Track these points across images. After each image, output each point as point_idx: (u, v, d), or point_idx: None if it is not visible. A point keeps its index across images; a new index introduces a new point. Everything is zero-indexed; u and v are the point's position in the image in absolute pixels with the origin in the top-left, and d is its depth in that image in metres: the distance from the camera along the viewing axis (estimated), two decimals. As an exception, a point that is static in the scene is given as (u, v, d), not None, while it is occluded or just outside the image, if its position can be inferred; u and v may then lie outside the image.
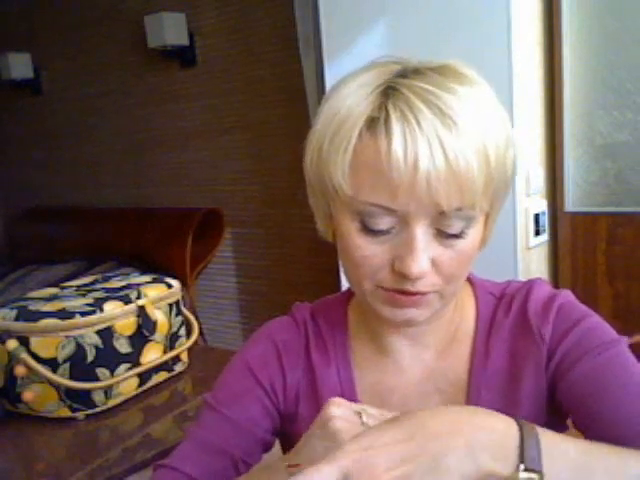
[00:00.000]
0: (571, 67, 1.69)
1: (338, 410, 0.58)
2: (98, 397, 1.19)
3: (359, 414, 0.57)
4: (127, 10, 3.12)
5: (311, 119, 2.26)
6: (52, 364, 1.15)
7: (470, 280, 0.74)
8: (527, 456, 0.46)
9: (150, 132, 3.26)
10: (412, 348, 0.71)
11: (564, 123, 1.71)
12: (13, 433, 1.16)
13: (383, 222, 0.59)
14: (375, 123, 0.57)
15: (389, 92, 0.58)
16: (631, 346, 0.90)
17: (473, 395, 0.68)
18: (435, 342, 0.71)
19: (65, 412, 1.18)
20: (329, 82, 1.86)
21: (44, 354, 1.15)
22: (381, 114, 0.57)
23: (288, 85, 2.59)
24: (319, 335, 0.75)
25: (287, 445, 0.76)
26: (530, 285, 0.71)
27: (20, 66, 3.56)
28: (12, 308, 1.20)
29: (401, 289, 0.60)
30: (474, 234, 0.61)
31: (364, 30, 1.77)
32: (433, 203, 0.57)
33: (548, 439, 0.48)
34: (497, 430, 0.48)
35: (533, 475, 0.46)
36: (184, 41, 2.88)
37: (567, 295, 0.69)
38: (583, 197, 1.74)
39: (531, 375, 0.67)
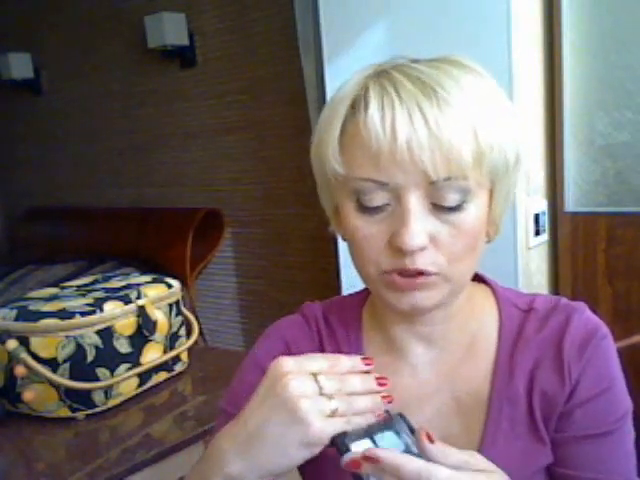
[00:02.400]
0: (571, 67, 1.69)
1: (291, 365, 0.55)
2: (98, 397, 1.19)
3: (314, 375, 0.54)
4: (127, 10, 3.12)
5: (311, 119, 2.26)
6: (52, 364, 1.15)
7: (491, 288, 0.73)
8: None
9: (150, 132, 3.26)
10: (427, 350, 0.70)
11: (564, 123, 1.71)
12: (13, 433, 1.16)
13: (377, 198, 0.60)
14: (358, 100, 0.60)
15: (379, 75, 0.61)
16: (631, 346, 0.90)
17: (494, 408, 0.67)
18: (451, 346, 0.70)
19: (65, 412, 1.18)
20: (329, 82, 1.86)
21: (44, 354, 1.15)
22: (363, 91, 0.60)
23: (288, 85, 2.59)
24: (332, 335, 0.75)
25: None
26: (571, 311, 0.68)
27: (20, 66, 3.56)
28: (12, 308, 1.20)
29: (401, 268, 0.60)
30: (474, 210, 0.60)
31: (364, 30, 1.77)
32: (419, 172, 0.57)
33: None
34: None
35: None
36: (184, 41, 2.89)
37: (604, 335, 0.67)
38: (583, 197, 1.74)
39: (548, 397, 0.67)
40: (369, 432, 0.54)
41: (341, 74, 1.83)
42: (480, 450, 0.66)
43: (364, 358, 0.58)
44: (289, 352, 0.73)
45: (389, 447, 0.53)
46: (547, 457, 0.67)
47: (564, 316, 0.68)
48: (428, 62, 0.61)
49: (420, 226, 0.58)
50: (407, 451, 0.53)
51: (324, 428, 0.53)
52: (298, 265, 2.86)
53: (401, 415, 0.56)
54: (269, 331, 0.78)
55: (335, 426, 0.53)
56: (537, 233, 1.72)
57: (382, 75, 0.60)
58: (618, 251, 1.69)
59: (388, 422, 0.55)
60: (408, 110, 0.56)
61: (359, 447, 0.52)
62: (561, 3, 1.66)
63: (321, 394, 0.54)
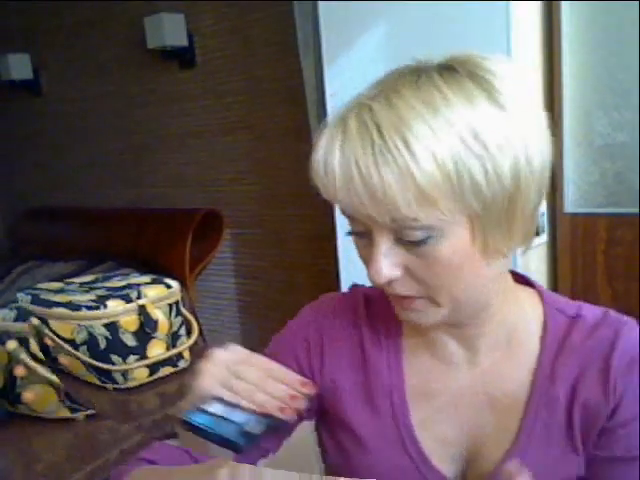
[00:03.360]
0: (570, 68, 1.69)
1: (220, 354, 0.66)
2: (118, 377, 1.26)
3: (233, 372, 0.64)
4: (126, 11, 3.12)
5: (310, 120, 2.26)
6: (71, 344, 1.23)
7: (539, 291, 0.73)
8: None
9: (150, 133, 3.26)
10: (463, 350, 0.71)
11: (563, 124, 1.71)
12: (13, 434, 1.16)
13: (356, 225, 0.61)
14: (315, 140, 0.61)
15: (342, 119, 0.59)
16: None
17: (531, 411, 0.67)
18: (488, 346, 0.70)
19: (65, 413, 1.18)
20: (328, 83, 1.87)
21: (64, 334, 1.23)
22: (320, 134, 0.60)
23: (287, 86, 2.59)
24: (374, 322, 0.75)
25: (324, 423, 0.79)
26: (621, 325, 0.67)
27: (19, 67, 3.56)
28: (27, 294, 1.29)
29: (385, 290, 0.63)
30: (447, 244, 0.58)
31: (364, 32, 1.77)
32: (365, 215, 0.58)
33: None
34: None
35: None
36: (183, 42, 2.89)
37: None
38: (582, 198, 1.75)
39: (590, 409, 0.66)
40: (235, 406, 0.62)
41: (341, 74, 1.83)
42: (512, 451, 0.67)
43: (304, 383, 0.65)
44: (321, 334, 0.76)
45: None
46: (579, 468, 0.67)
47: (613, 329, 0.67)
48: (406, 92, 0.58)
49: (387, 261, 0.59)
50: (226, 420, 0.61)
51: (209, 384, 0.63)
52: (297, 266, 2.86)
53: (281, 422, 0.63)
54: (303, 308, 0.80)
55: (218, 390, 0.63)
56: (536, 234, 1.72)
57: (342, 119, 0.59)
58: (617, 252, 1.69)
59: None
60: (347, 162, 0.56)
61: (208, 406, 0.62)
62: (561, 6, 1.66)
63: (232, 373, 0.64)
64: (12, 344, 1.15)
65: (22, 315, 1.20)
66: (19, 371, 1.15)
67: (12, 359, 1.15)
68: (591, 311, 0.70)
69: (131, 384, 1.28)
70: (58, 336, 1.22)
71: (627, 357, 0.65)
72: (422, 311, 0.63)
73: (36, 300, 1.25)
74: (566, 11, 1.67)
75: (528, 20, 1.64)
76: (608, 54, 1.65)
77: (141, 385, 1.29)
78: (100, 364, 1.24)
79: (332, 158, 0.57)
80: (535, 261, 1.75)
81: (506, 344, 0.70)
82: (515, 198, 0.58)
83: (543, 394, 0.67)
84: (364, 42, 1.77)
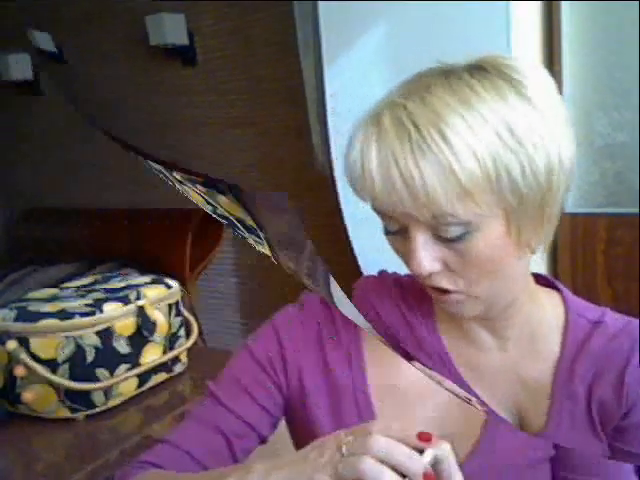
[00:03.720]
0: (571, 68, 1.69)
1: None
2: (98, 398, 1.19)
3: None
4: (127, 10, 3.12)
5: (310, 120, 2.26)
6: (52, 365, 1.16)
7: (562, 295, 0.74)
8: None
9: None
10: (493, 338, 0.72)
11: (563, 124, 1.71)
12: (13, 434, 1.17)
13: (391, 224, 0.62)
14: (350, 139, 0.61)
15: (374, 117, 0.60)
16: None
17: (557, 400, 0.69)
18: (515, 336, 0.72)
19: (65, 413, 1.18)
20: (328, 83, 1.86)
21: (44, 355, 1.16)
22: (355, 131, 0.61)
23: (287, 85, 2.59)
24: (411, 308, 0.76)
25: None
26: (637, 334, 0.69)
27: (20, 66, 3.55)
28: (12, 309, 1.20)
29: (424, 283, 0.64)
30: (483, 239, 0.59)
31: (363, 31, 1.77)
32: (403, 213, 0.58)
33: None
34: None
35: None
36: (184, 41, 2.89)
37: None
38: (582, 198, 1.74)
39: (605, 408, 0.68)
40: None
41: (341, 74, 1.83)
42: (547, 424, 0.69)
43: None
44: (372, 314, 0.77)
45: None
46: (604, 453, 0.68)
47: (633, 339, 0.68)
48: (436, 91, 0.59)
49: (427, 255, 0.60)
50: None
51: None
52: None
53: None
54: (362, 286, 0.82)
55: None
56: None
57: (375, 119, 0.60)
58: (617, 252, 1.69)
59: None
60: (385, 161, 0.57)
61: None
62: (560, 5, 1.66)
63: None
64: (12, 344, 1.15)
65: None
66: (19, 371, 1.15)
67: (12, 359, 1.15)
68: (614, 318, 0.71)
69: (113, 403, 1.23)
70: (37, 359, 1.15)
71: None
72: (463, 304, 0.64)
73: (22, 315, 1.18)
74: (566, 11, 1.67)
75: (528, 20, 1.64)
76: (608, 54, 1.65)
77: (125, 401, 1.24)
78: (80, 385, 1.16)
79: (369, 157, 0.58)
80: (535, 261, 1.74)
81: (530, 339, 0.72)
82: (547, 195, 0.60)
83: (564, 387, 0.69)
84: (364, 42, 1.77)
